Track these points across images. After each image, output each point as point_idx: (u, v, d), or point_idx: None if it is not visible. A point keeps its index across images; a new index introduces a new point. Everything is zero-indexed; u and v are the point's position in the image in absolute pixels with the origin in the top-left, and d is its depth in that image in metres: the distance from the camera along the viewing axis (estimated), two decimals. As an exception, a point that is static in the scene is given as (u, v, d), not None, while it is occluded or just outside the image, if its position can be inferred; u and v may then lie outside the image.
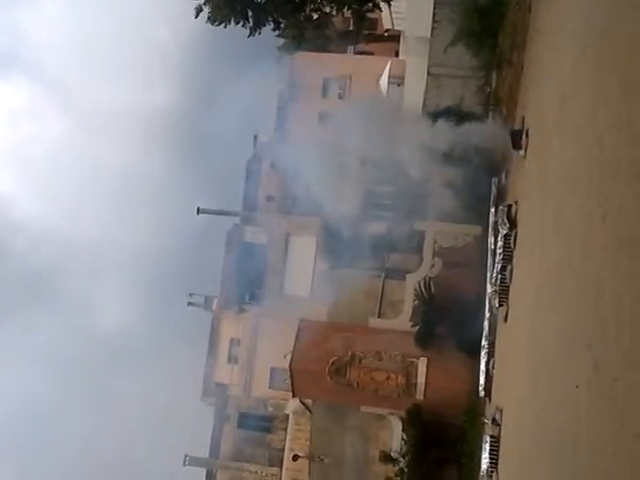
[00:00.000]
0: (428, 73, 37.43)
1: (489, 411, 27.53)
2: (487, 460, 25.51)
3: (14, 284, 45.94)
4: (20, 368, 45.16)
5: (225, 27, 32.12)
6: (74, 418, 44.98)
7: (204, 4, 31.54)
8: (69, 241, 45.90)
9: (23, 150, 49.79)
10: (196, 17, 31.89)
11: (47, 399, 45.68)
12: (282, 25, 33.12)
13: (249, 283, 39.40)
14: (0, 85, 52.55)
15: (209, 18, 31.70)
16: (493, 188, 31.39)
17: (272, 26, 32.95)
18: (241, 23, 32.19)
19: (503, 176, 30.96)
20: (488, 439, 25.52)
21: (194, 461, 38.92)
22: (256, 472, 38.72)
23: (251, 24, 32.31)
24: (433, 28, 36.78)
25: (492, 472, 25.09)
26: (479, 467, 26.41)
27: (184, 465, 38.75)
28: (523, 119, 27.36)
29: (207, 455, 39.44)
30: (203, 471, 39.55)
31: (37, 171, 49.26)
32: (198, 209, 40.49)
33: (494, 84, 34.39)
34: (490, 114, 34.26)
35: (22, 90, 51.34)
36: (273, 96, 42.72)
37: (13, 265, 46.17)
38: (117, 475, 42.27)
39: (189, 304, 40.64)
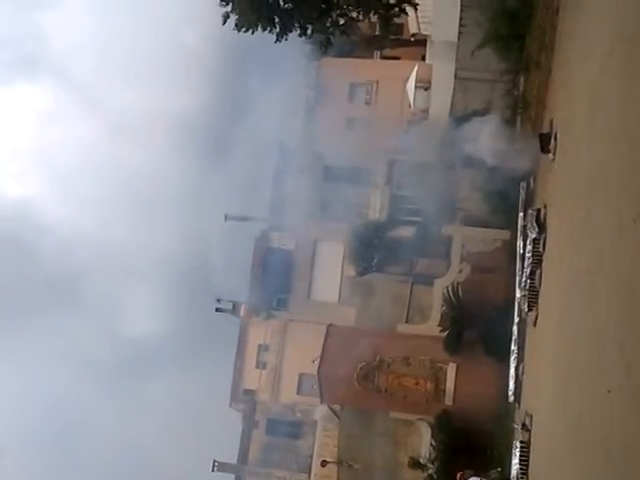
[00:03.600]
0: (455, 77, 37.27)
1: (519, 416, 27.27)
2: (517, 466, 25.26)
3: (42, 287, 46.19)
4: (49, 371, 45.41)
5: (252, 34, 32.16)
6: (102, 422, 45.19)
7: (231, 11, 31.60)
8: (97, 244, 46.09)
9: (50, 153, 50.05)
10: (223, 24, 31.92)
11: (75, 402, 45.97)
12: (309, 31, 33.08)
13: (277, 289, 39.44)
14: (27, 88, 52.78)
15: (236, 25, 31.73)
16: (521, 192, 31.21)
17: (299, 32, 32.92)
18: (268, 29, 32.20)
19: (531, 180, 30.76)
20: (518, 445, 25.28)
21: (223, 467, 38.95)
22: (284, 478, 38.69)
23: (278, 30, 32.30)
24: (460, 32, 36.61)
25: (522, 478, 24.85)
26: (509, 473, 26.17)
27: (212, 471, 38.80)
28: (552, 122, 27.16)
29: (235, 461, 39.47)
30: (232, 477, 39.59)
31: (64, 174, 49.49)
32: (225, 215, 40.61)
33: (522, 87, 34.18)
34: (518, 118, 34.05)
35: (49, 93, 51.70)
36: (300, 101, 42.73)
37: (41, 268, 46.41)
38: (147, 462, 42.35)
39: (217, 310, 40.69)
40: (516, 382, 28.80)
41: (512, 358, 29.26)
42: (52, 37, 52.00)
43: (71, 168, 49.40)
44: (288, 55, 41.26)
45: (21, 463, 42.20)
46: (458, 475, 24.24)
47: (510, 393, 29.10)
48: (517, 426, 26.08)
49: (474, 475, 23.89)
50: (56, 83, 52.05)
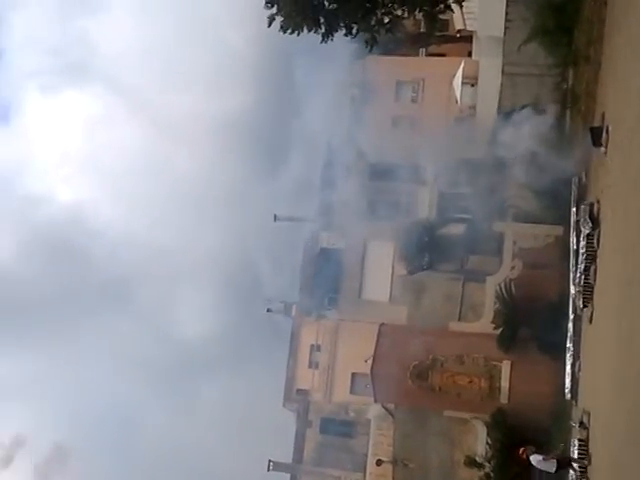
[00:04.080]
0: (502, 73, 37.01)
1: (576, 414, 26.99)
2: (576, 464, 24.98)
3: (95, 290, 46.76)
4: (103, 373, 46.01)
5: (298, 35, 32.23)
6: (157, 423, 45.65)
7: (276, 13, 31.70)
8: (147, 246, 46.56)
9: (100, 158, 50.66)
10: (269, 26, 32.02)
11: (129, 403, 46.50)
12: (354, 30, 33.06)
13: (327, 289, 39.53)
14: (76, 94, 53.47)
15: (281, 27, 31.82)
16: (573, 187, 30.86)
17: (344, 32, 32.91)
18: (313, 30, 32.24)
19: (583, 174, 30.39)
20: (576, 443, 25.00)
21: (278, 466, 39.17)
22: (339, 477, 38.76)
23: (323, 31, 32.32)
24: (506, 27, 36.36)
25: (582, 475, 24.56)
26: (568, 471, 25.89)
27: (268, 470, 39.03)
28: (603, 115, 26.81)
29: (290, 460, 39.62)
30: (287, 477, 39.76)
31: (115, 178, 50.06)
32: (275, 216, 40.77)
33: (571, 81, 33.81)
34: (568, 112, 33.69)
35: (97, 98, 52.19)
36: (346, 100, 42.73)
37: (93, 271, 47.00)
38: (202, 462, 42.68)
39: (268, 310, 40.93)
40: (572, 379, 28.49)
41: (568, 355, 28.96)
42: (99, 43, 52.57)
43: (120, 171, 50.00)
44: (334, 54, 41.30)
45: (85, 464, 42.79)
46: (520, 450, 24.05)
47: (567, 390, 28.80)
48: (575, 424, 25.80)
49: (536, 452, 23.69)
50: (104, 88, 52.53)
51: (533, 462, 24.01)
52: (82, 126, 52.20)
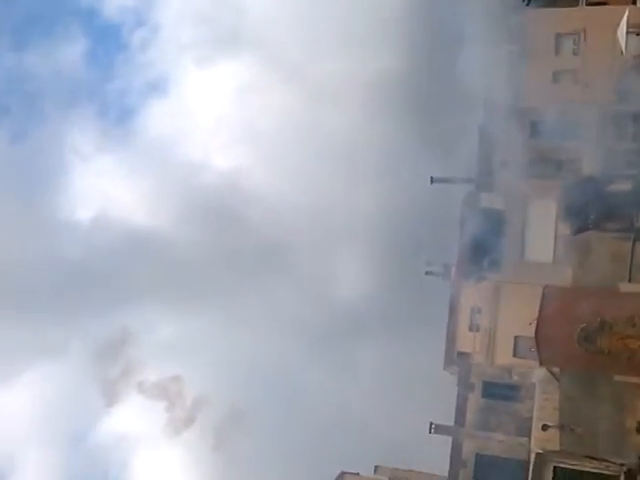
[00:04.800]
0: (673, 18, 35.05)
1: None
2: None
3: (251, 255, 47.64)
4: (262, 336, 46.91)
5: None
6: (319, 386, 46.27)
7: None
8: (302, 211, 46.98)
9: (254, 124, 51.38)
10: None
11: (290, 367, 47.27)
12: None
13: (487, 250, 38.76)
14: (228, 62, 54.39)
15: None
16: None
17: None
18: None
19: None
20: None
21: (440, 429, 38.95)
22: (503, 441, 38.20)
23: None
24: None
25: None
26: None
27: (430, 433, 38.89)
28: None
29: (452, 423, 39.34)
30: (449, 439, 39.49)
31: (268, 144, 50.71)
32: (431, 178, 40.28)
33: None
34: None
35: (249, 66, 52.85)
36: (503, 57, 41.49)
37: (249, 236, 47.87)
38: (363, 424, 43.05)
39: (427, 273, 40.61)
40: None
41: None
42: (249, 10, 53.08)
43: (273, 137, 50.57)
44: (489, 10, 40.21)
45: (257, 425, 43.92)
46: None
47: None
48: None
49: None
50: (255, 56, 53.12)
51: None
52: (235, 94, 53.04)
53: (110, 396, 42.88)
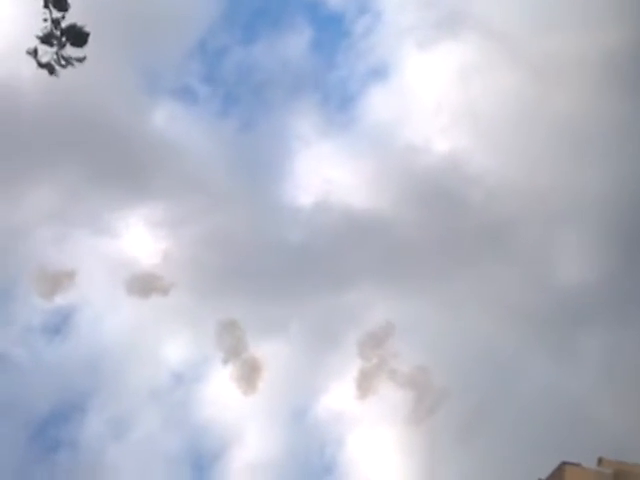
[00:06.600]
0: None
1: None
2: None
3: (472, 236, 47.12)
4: (478, 319, 46.25)
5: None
6: (532, 370, 45.04)
7: None
8: (524, 192, 45.79)
9: (476, 105, 50.59)
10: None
11: (504, 349, 46.35)
12: None
13: None
14: (450, 43, 53.94)
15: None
16: None
17: None
18: None
19: None
20: None
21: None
22: None
23: None
24: None
25: None
26: None
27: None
28: None
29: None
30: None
31: (490, 125, 49.79)
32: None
33: None
34: None
35: (472, 46, 52.08)
36: None
37: (471, 217, 47.37)
38: (587, 414, 41.50)
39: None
40: None
41: None
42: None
43: (496, 118, 49.63)
44: None
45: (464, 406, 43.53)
46: None
47: None
48: None
49: None
50: (478, 36, 52.20)
51: None
52: (457, 76, 52.48)
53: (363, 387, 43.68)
